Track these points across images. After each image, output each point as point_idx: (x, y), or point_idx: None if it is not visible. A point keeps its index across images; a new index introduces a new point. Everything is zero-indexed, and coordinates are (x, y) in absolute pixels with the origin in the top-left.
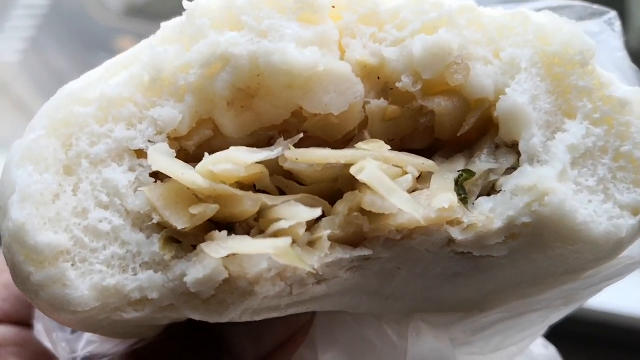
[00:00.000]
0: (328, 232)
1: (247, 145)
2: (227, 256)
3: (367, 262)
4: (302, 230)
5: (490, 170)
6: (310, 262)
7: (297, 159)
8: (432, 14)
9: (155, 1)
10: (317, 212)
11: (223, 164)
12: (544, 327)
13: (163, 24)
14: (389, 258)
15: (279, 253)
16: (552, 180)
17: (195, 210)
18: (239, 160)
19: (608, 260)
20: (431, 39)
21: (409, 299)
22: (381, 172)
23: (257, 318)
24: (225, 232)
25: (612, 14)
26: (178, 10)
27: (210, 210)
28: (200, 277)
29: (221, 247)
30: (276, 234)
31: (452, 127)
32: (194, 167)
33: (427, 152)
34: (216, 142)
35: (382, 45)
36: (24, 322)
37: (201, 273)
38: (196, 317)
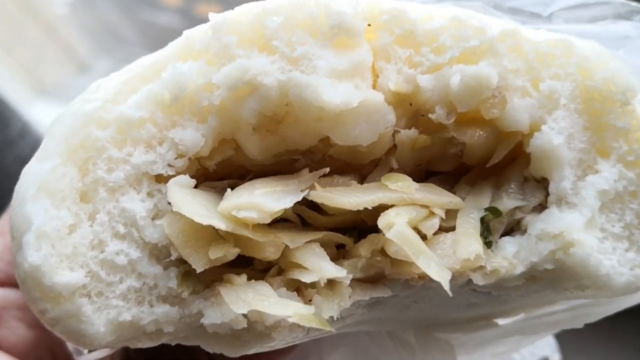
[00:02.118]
0: (350, 277)
1: (269, 166)
2: None
3: (385, 299)
4: (323, 281)
5: (517, 208)
6: (331, 312)
7: (322, 203)
8: (473, 41)
9: None
10: (342, 272)
11: (248, 211)
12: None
13: (187, 33)
14: (407, 294)
15: (301, 319)
16: (579, 230)
17: (215, 254)
18: (265, 209)
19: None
20: (471, 72)
21: (420, 320)
22: (410, 231)
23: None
24: (244, 277)
25: None
26: None
27: (230, 254)
28: (218, 323)
29: (241, 300)
30: (297, 285)
31: (481, 156)
32: (214, 186)
33: (452, 174)
34: (238, 159)
35: (418, 70)
36: None
37: (219, 319)
38: (209, 349)
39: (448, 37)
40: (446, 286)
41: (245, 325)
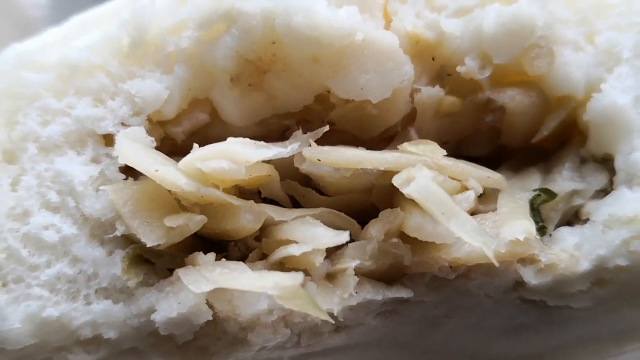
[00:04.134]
0: (355, 263)
1: (254, 137)
2: (213, 290)
3: (405, 305)
4: (319, 260)
5: (575, 192)
6: (329, 305)
7: (319, 160)
8: None
9: None
10: (343, 236)
11: (216, 160)
12: None
13: None
14: (434, 302)
15: (285, 295)
16: None
17: (172, 222)
18: (239, 157)
19: None
20: (509, 12)
21: (453, 355)
22: (437, 186)
23: None
24: (211, 255)
25: None
26: None
27: (193, 223)
28: (174, 317)
29: (204, 278)
30: (284, 263)
31: (525, 130)
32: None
33: (488, 162)
34: (214, 131)
35: (442, 14)
36: None
37: (175, 311)
38: None
39: None
40: (490, 253)
41: (210, 318)
